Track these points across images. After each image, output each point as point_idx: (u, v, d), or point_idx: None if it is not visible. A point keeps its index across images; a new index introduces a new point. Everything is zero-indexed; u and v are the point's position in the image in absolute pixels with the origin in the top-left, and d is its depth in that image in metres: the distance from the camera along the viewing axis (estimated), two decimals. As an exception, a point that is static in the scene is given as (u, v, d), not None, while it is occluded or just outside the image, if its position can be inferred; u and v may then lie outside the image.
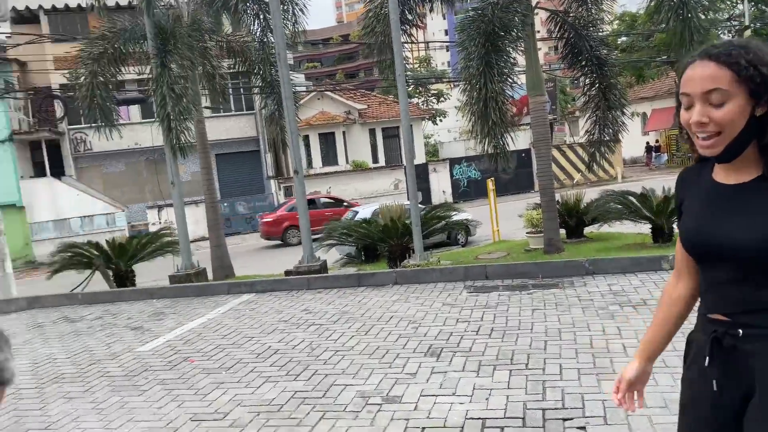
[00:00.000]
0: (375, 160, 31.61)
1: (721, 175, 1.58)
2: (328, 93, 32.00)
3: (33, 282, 16.26)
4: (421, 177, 23.75)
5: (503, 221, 13.87)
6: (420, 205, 10.59)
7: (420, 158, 28.83)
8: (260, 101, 19.42)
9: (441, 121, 43.05)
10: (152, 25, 10.87)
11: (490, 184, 13.84)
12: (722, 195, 1.55)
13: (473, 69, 9.25)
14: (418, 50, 47.96)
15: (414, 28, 11.69)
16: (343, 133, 31.03)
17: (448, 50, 69.39)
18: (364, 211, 14.67)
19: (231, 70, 14.98)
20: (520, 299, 6.63)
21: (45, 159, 27.34)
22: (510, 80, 9.68)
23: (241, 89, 26.82)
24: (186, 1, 12.85)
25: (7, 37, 23.77)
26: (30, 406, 4.99)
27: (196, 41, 11.62)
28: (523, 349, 4.94)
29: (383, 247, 11.09)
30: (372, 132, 32.06)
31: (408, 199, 11.73)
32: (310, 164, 29.85)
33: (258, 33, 12.66)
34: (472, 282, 7.84)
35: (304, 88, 30.96)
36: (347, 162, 30.74)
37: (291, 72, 11.41)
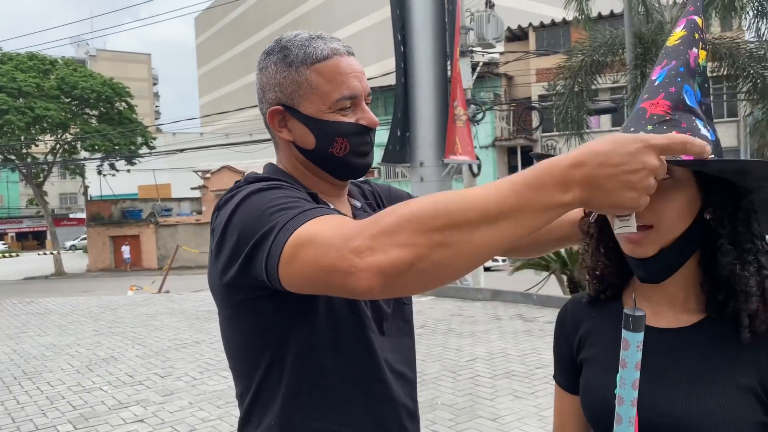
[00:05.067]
0: None
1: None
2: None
3: (498, 276, 18.05)
4: None
5: None
6: None
7: None
8: (745, 108, 17.22)
9: None
10: (631, 35, 10.68)
11: None
12: (656, 346, 1.01)
13: None
14: None
15: None
16: None
17: None
18: None
19: (713, 74, 13.64)
20: None
21: (518, 163, 30.14)
22: None
23: (723, 95, 24.30)
24: (670, 6, 12.23)
25: (499, 54, 26.88)
26: (484, 394, 5.47)
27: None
28: None
29: None
30: None
31: None
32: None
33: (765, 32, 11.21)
34: None
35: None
36: None
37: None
